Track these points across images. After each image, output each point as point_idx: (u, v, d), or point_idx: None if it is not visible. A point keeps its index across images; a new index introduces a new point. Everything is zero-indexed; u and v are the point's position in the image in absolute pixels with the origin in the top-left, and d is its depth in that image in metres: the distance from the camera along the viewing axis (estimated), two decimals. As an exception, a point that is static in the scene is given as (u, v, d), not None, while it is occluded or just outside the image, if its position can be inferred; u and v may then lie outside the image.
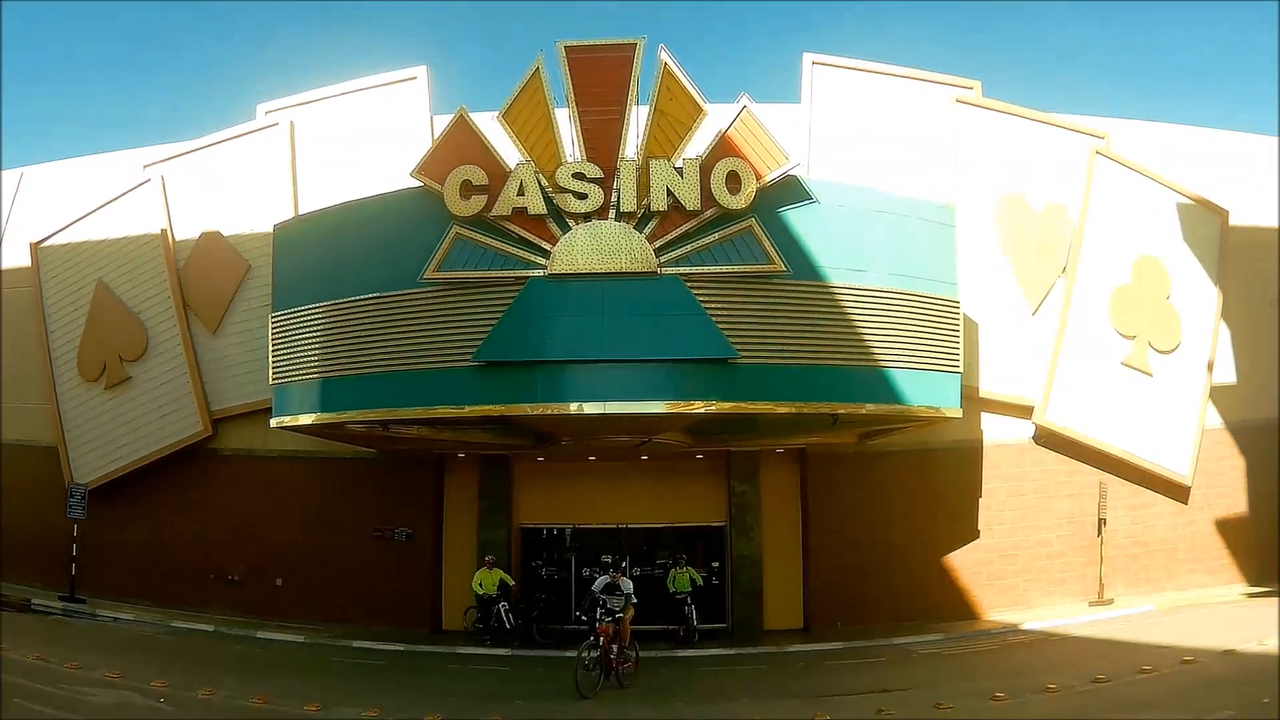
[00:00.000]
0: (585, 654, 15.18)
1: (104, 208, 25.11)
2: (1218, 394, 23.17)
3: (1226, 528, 23.20)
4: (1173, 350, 22.69)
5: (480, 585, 20.47)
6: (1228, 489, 23.33)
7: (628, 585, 16.22)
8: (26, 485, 25.49)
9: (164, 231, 24.17)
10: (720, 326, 16.21)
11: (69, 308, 25.38)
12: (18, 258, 26.34)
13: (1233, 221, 23.41)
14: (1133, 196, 22.93)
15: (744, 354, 16.23)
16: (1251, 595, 21.79)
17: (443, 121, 18.15)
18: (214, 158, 24.31)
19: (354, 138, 23.07)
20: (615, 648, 15.43)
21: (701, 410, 16.48)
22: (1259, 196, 23.97)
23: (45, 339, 25.55)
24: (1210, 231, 23.38)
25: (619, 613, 15.72)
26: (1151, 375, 22.47)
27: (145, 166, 24.82)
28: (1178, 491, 22.88)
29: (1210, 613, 19.96)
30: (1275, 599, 20.12)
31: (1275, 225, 23.95)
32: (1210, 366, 23.01)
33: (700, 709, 13.36)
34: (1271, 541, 22.82)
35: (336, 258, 18.26)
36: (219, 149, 24.33)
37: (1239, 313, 23.46)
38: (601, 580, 16.24)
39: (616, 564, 20.95)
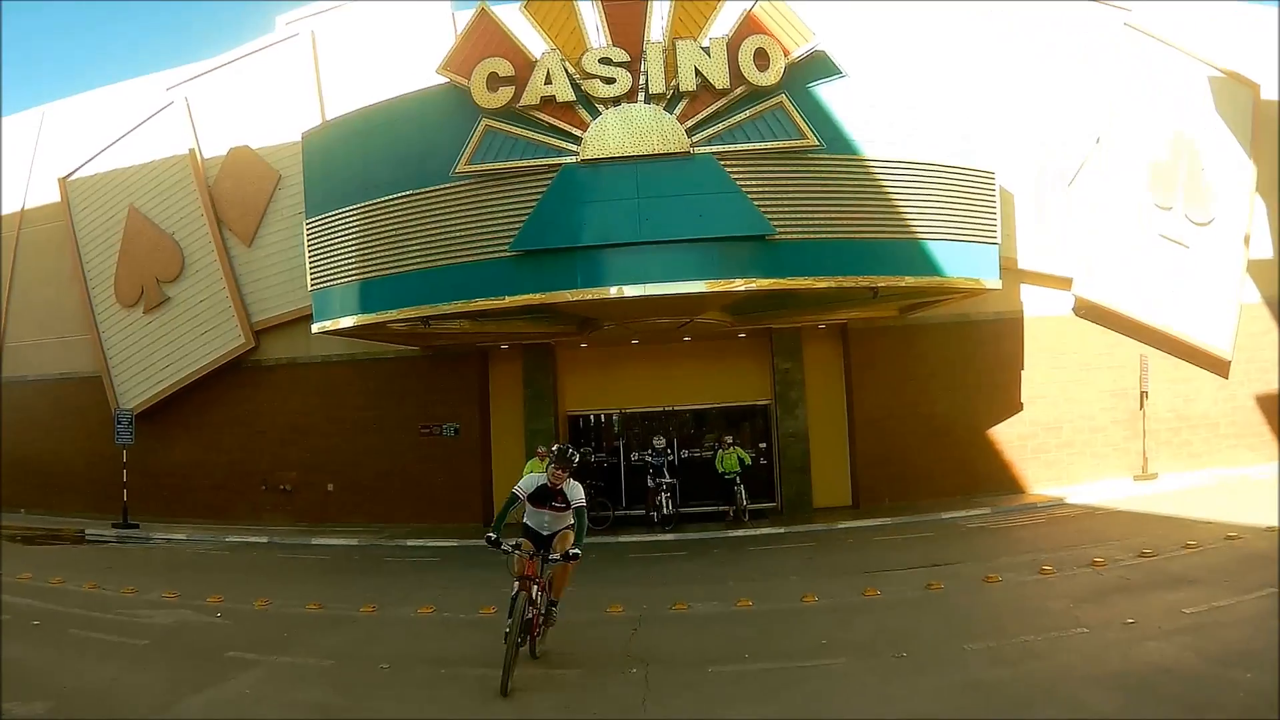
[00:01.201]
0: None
1: (129, 135, 25.23)
2: (1254, 269, 22.85)
3: (1267, 404, 22.99)
4: (1208, 223, 22.39)
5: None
6: (1267, 365, 23.03)
7: (576, 491, 9.82)
8: (74, 417, 25.86)
9: (192, 151, 24.21)
10: (756, 203, 16.12)
11: (102, 237, 25.55)
12: (48, 195, 26.47)
13: (1264, 95, 22.94)
14: (1163, 69, 22.50)
15: (781, 230, 16.15)
16: (1293, 473, 21.69)
17: (464, 17, 17.95)
18: (237, 74, 24.24)
19: (376, 41, 22.92)
20: (541, 597, 9.73)
21: (742, 288, 16.47)
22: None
23: (81, 270, 25.76)
24: (1242, 105, 22.92)
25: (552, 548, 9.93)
26: (1188, 248, 22.20)
27: (168, 89, 24.81)
28: (1218, 366, 22.69)
29: (1253, 489, 19.74)
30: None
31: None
32: (1247, 240, 22.68)
33: (750, 586, 13.39)
34: (1313, 419, 22.65)
35: (367, 160, 18.19)
36: (241, 64, 24.27)
37: (1273, 188, 23.03)
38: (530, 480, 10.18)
39: (661, 450, 21.28)
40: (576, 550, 9.44)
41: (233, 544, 21.13)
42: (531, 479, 10.08)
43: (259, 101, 23.77)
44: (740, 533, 19.49)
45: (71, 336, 26.06)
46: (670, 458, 21.82)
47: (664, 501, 20.64)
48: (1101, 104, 22.25)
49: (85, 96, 27.21)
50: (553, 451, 10.24)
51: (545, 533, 9.99)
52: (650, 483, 21.18)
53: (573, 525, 9.78)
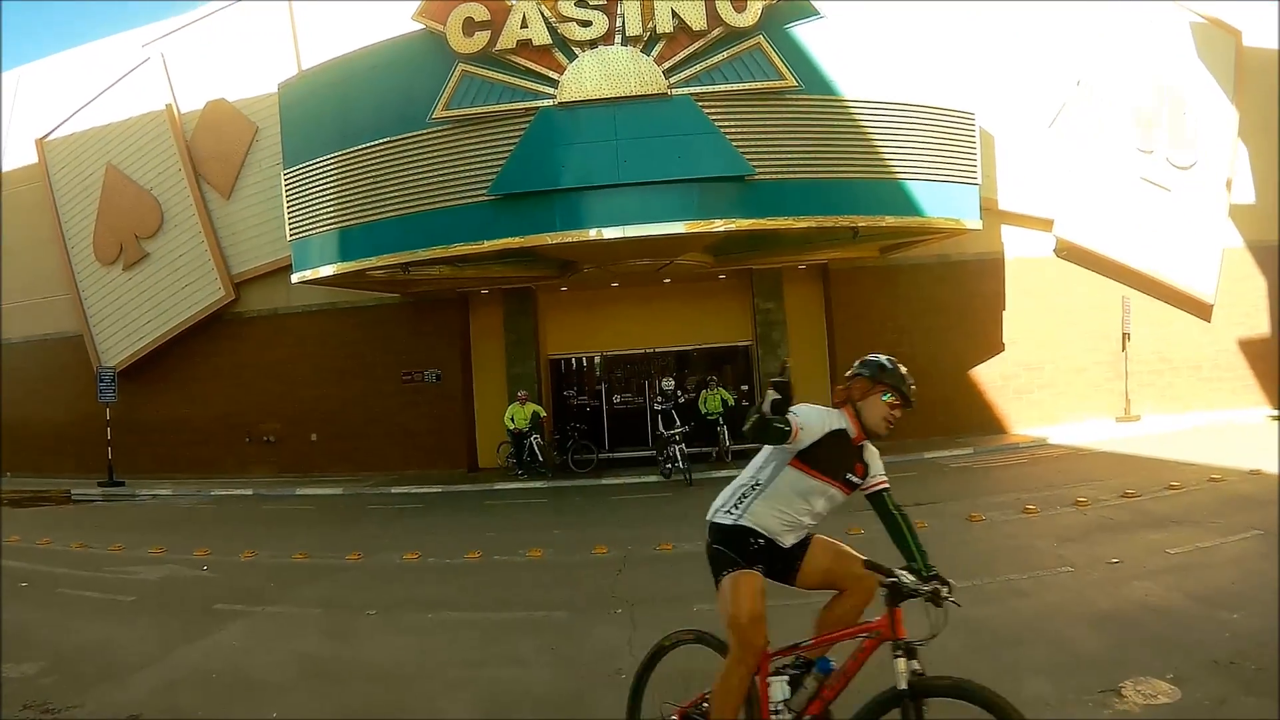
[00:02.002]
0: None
1: (106, 93, 25.07)
2: (1236, 213, 22.85)
3: (1250, 349, 23.09)
4: (1191, 167, 22.34)
5: (512, 420, 20.73)
6: (1251, 309, 23.15)
7: None
8: (57, 377, 25.84)
9: (169, 106, 24.05)
10: (735, 144, 16.18)
11: (80, 196, 25.42)
12: (25, 158, 26.29)
13: (1246, 43, 22.89)
14: (1145, 14, 22.41)
15: (761, 170, 16.19)
16: (1276, 418, 21.66)
17: (440, -37, 17.80)
18: (213, 27, 24.07)
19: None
20: None
21: (721, 228, 16.49)
22: (1269, 18, 23.30)
23: (60, 230, 25.64)
24: (1224, 51, 22.84)
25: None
26: (1170, 191, 22.18)
27: (144, 46, 24.63)
28: (1200, 309, 22.75)
29: (1236, 433, 19.81)
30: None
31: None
32: (1229, 185, 22.67)
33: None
34: (1294, 364, 22.77)
35: (344, 108, 18.16)
36: (217, 18, 24.09)
37: (1255, 135, 22.96)
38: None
39: (670, 394, 21.24)
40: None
41: (218, 497, 21.15)
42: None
43: (235, 54, 23.54)
44: (724, 473, 19.40)
45: (53, 296, 25.95)
46: (680, 399, 21.57)
47: (677, 454, 18.82)
48: (1083, 47, 22.15)
49: (61, 56, 27.02)
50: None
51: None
52: (661, 429, 19.90)
53: None
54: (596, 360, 24.14)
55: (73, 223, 25.51)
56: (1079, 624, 7.94)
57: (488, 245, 16.74)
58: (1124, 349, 22.17)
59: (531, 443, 20.79)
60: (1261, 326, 23.20)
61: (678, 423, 19.13)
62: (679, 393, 21.23)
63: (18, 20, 58.97)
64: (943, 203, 17.32)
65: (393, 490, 20.20)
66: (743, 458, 20.46)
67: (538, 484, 19.92)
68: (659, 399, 20.67)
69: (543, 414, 21.14)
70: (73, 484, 23.21)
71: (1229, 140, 22.65)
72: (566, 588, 10.48)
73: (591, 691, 7.15)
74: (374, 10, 20.92)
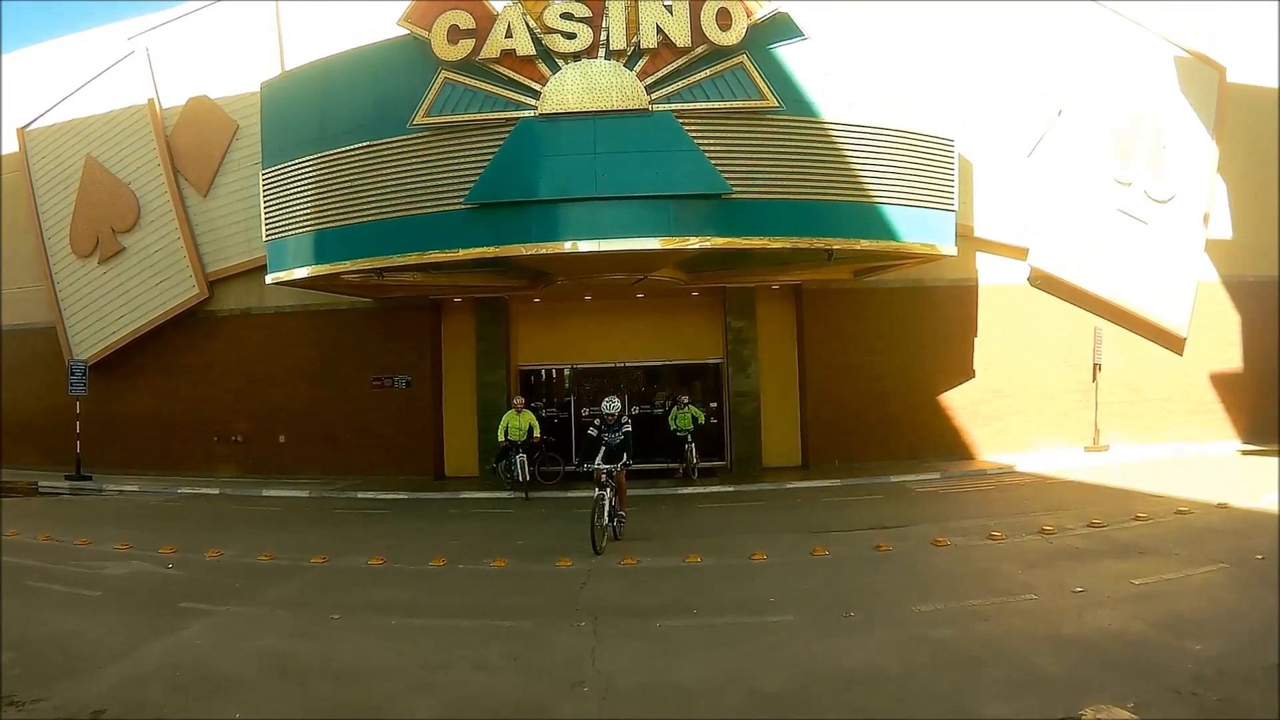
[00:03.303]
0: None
1: (89, 85, 24.93)
2: (1213, 248, 23.05)
3: (1222, 383, 23.28)
4: (1168, 200, 22.51)
5: (505, 431, 19.60)
6: (1223, 344, 23.36)
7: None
8: (28, 368, 25.72)
9: (151, 101, 23.97)
10: (713, 162, 16.19)
11: (59, 187, 25.29)
12: (6, 145, 26.10)
13: (1229, 79, 23.05)
14: (1129, 47, 22.59)
15: (738, 189, 16.22)
16: (1245, 452, 21.89)
17: (428, -31, 17.79)
18: (198, 23, 24.01)
19: (338, -8, 22.71)
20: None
21: (696, 246, 16.49)
22: (1254, 56, 23.48)
23: (37, 220, 25.49)
24: (1207, 86, 22.98)
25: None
26: (1147, 224, 22.34)
27: (129, 39, 24.51)
28: (1173, 342, 22.90)
29: (1205, 466, 19.99)
30: (1269, 457, 20.20)
31: (1273, 86, 23.67)
32: (1206, 219, 22.83)
33: (700, 543, 13.42)
34: (1266, 400, 22.90)
35: (325, 110, 18.08)
36: (203, 14, 24.02)
37: (1235, 170, 23.19)
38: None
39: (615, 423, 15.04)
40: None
41: (185, 495, 21.09)
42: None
43: (219, 51, 23.50)
44: (690, 490, 19.57)
45: (27, 287, 25.79)
46: (626, 425, 14.34)
47: (605, 502, 13.52)
48: (1066, 78, 22.32)
49: (46, 46, 26.75)
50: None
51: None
52: (600, 462, 13.76)
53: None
54: (566, 372, 24.11)
55: (50, 213, 25.36)
56: (1041, 649, 7.99)
57: (463, 253, 16.72)
58: (1095, 379, 22.32)
59: (519, 460, 19.46)
60: (1234, 360, 23.39)
61: (625, 457, 13.91)
62: (625, 419, 14.50)
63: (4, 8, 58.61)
64: (919, 228, 17.38)
65: (359, 495, 20.15)
66: (710, 476, 20.72)
67: (504, 494, 19.83)
68: (598, 424, 14.19)
69: (538, 433, 19.91)
70: (39, 475, 23.08)
71: (1208, 175, 22.83)
72: (531, 597, 10.52)
73: (554, 701, 7.22)
74: (359, 13, 20.94)
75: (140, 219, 24.04)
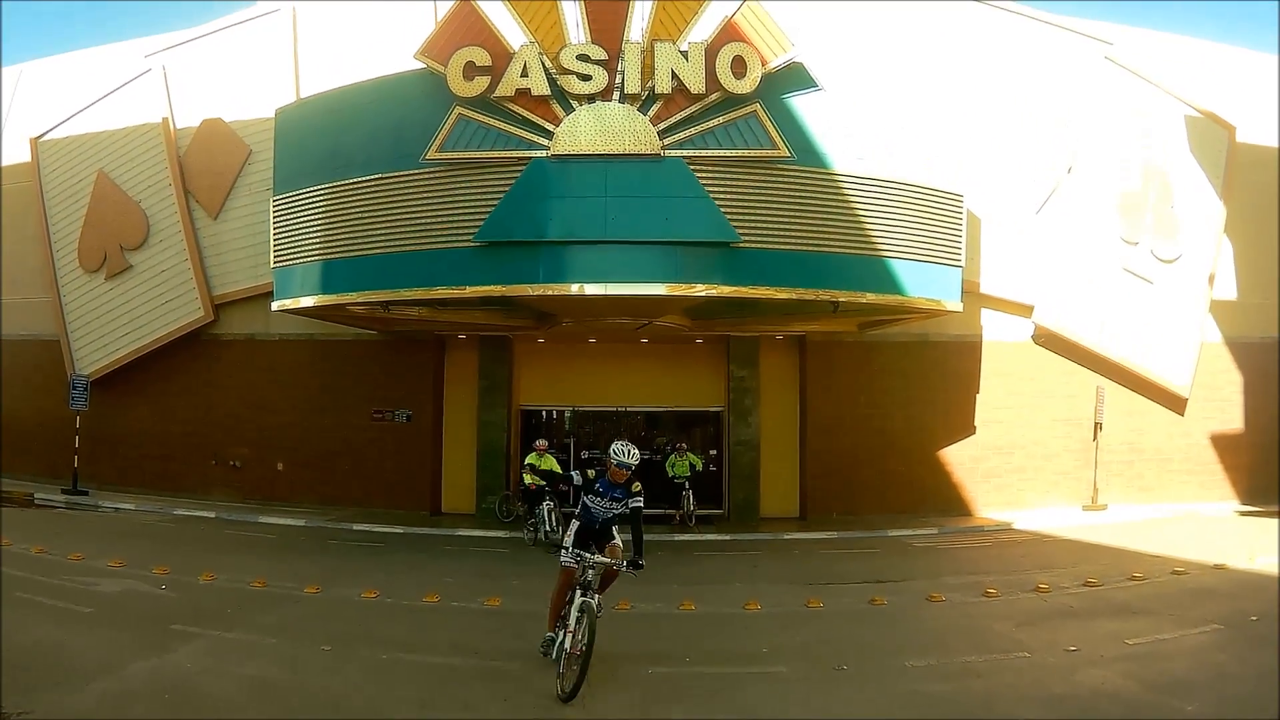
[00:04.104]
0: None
1: (104, 99, 24.98)
2: (1218, 309, 23.15)
3: (1222, 443, 23.30)
4: (1174, 260, 22.61)
5: (532, 469, 18.57)
6: (1225, 404, 23.39)
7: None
8: (29, 379, 25.68)
9: (165, 120, 24.00)
10: (722, 209, 16.16)
11: (69, 200, 25.30)
12: (19, 154, 26.14)
13: (1239, 138, 23.16)
14: (1140, 104, 22.74)
15: (746, 238, 16.20)
16: (1244, 513, 21.90)
17: (446, 5, 17.85)
18: (216, 45, 24.08)
19: (356, 22, 22.83)
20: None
21: (702, 293, 16.48)
22: (1265, 115, 23.67)
23: (46, 232, 25.49)
24: (1217, 146, 23.17)
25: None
26: (1152, 283, 22.41)
27: (146, 56, 24.58)
28: (1175, 402, 22.94)
29: (1202, 526, 20.04)
30: (1267, 518, 20.30)
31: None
32: (1212, 280, 22.95)
33: (694, 590, 13.43)
34: (1266, 461, 22.94)
35: (338, 140, 18.08)
36: (221, 36, 24.11)
37: (1242, 230, 23.32)
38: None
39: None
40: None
41: (180, 516, 21.06)
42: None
43: (235, 74, 23.58)
44: (686, 537, 19.52)
45: (33, 298, 25.76)
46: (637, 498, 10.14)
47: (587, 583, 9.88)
48: (1076, 135, 22.42)
49: (63, 58, 26.91)
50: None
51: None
52: (568, 542, 9.94)
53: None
54: (567, 414, 24.09)
55: (60, 225, 25.39)
56: (1033, 708, 8.07)
57: (470, 291, 16.69)
58: (1095, 437, 22.29)
59: (545, 509, 18.28)
60: (1234, 421, 23.43)
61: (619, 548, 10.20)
62: (637, 485, 9.62)
63: (20, 21, 59.02)
64: (925, 282, 17.38)
65: (355, 526, 20.14)
66: (707, 523, 20.70)
67: (500, 533, 19.81)
68: (592, 477, 9.88)
69: (559, 472, 18.66)
70: (36, 487, 23.10)
71: (1215, 235, 22.95)
72: (522, 638, 10.48)
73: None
74: (376, 43, 21.03)
75: (149, 237, 24.06)
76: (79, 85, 25.51)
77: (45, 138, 25.76)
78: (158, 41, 24.75)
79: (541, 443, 19.57)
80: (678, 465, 21.15)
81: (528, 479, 18.87)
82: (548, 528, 18.09)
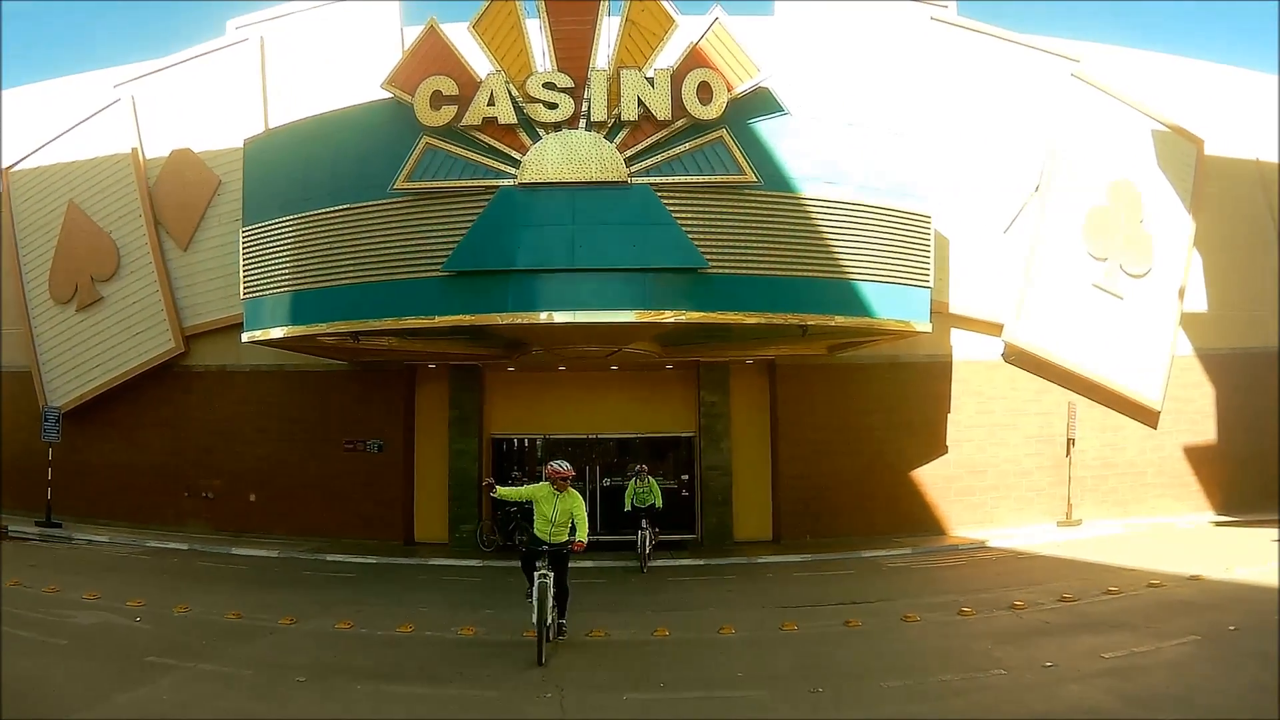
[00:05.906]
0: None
1: (74, 129, 24.89)
2: (1188, 322, 23.32)
3: (1195, 455, 23.44)
4: (1144, 275, 22.78)
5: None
6: (1197, 416, 23.55)
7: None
8: (2, 411, 25.41)
9: (135, 150, 23.94)
10: (690, 236, 16.19)
11: (40, 230, 25.20)
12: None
13: (1207, 151, 23.36)
14: (1107, 121, 22.90)
15: (714, 264, 16.22)
16: (1219, 524, 22.02)
17: (414, 34, 17.91)
18: (185, 75, 24.01)
19: (325, 51, 22.84)
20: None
21: (671, 320, 16.49)
22: (1232, 128, 23.94)
23: (17, 263, 25.40)
24: (1185, 159, 23.37)
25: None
26: (1122, 298, 22.56)
27: (115, 86, 24.48)
28: (1147, 416, 23.08)
29: (1178, 538, 20.14)
30: (1243, 529, 20.45)
31: (1250, 157, 24.05)
32: (1182, 293, 23.12)
33: (669, 616, 13.43)
34: (1240, 471, 23.12)
35: (307, 170, 18.09)
36: (189, 66, 24.04)
37: (1211, 243, 23.54)
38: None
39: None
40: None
41: (154, 549, 20.95)
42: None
43: (204, 104, 23.55)
44: (659, 563, 19.31)
45: (6, 329, 25.67)
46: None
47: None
48: (1043, 152, 22.55)
49: (33, 87, 26.86)
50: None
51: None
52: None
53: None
54: (539, 442, 24.02)
55: (31, 256, 25.29)
56: None
57: (439, 320, 16.68)
58: (1068, 454, 22.39)
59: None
60: (1207, 433, 23.59)
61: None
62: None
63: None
64: (894, 304, 17.44)
65: (328, 557, 20.05)
66: (681, 548, 20.58)
67: (473, 562, 19.77)
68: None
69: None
70: (9, 519, 22.89)
71: (1184, 249, 23.13)
72: (497, 666, 10.54)
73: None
74: (345, 72, 21.05)
75: (120, 268, 23.97)
76: (50, 115, 25.41)
77: (16, 168, 25.65)
78: (126, 71, 24.67)
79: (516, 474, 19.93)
80: (639, 494, 19.27)
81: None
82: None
